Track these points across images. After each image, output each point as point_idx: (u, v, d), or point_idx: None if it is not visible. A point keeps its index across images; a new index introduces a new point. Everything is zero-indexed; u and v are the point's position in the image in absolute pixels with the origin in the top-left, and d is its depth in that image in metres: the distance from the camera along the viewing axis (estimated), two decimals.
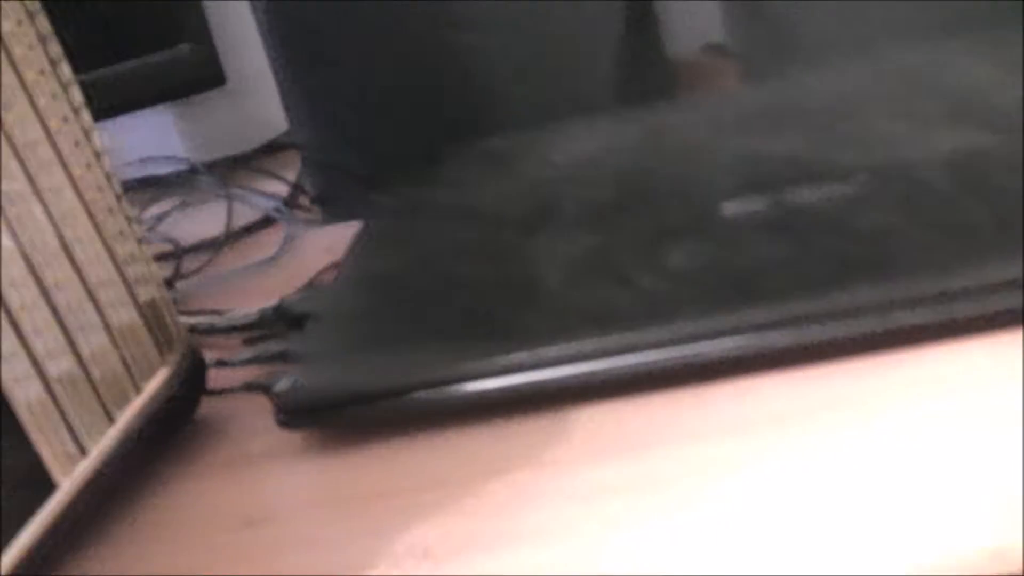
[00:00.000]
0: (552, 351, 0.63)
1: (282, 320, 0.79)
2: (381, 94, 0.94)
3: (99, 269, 0.65)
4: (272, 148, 1.13)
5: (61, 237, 0.64)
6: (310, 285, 0.83)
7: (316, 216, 0.99)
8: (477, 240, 0.78)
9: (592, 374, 0.63)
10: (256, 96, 1.11)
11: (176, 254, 0.97)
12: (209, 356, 0.78)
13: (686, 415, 0.61)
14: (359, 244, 0.84)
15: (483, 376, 0.64)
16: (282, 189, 1.06)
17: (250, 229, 1.01)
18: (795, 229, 0.68)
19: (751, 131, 0.81)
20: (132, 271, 0.68)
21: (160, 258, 1.00)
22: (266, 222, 1.02)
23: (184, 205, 1.07)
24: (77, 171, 0.66)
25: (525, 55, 0.90)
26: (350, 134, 0.95)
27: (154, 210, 1.08)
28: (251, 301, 0.86)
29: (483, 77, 0.92)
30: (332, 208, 0.98)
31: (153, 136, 1.19)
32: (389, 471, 0.64)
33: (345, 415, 0.66)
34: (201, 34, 1.07)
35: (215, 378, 0.76)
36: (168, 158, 1.15)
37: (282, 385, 0.67)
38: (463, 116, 0.93)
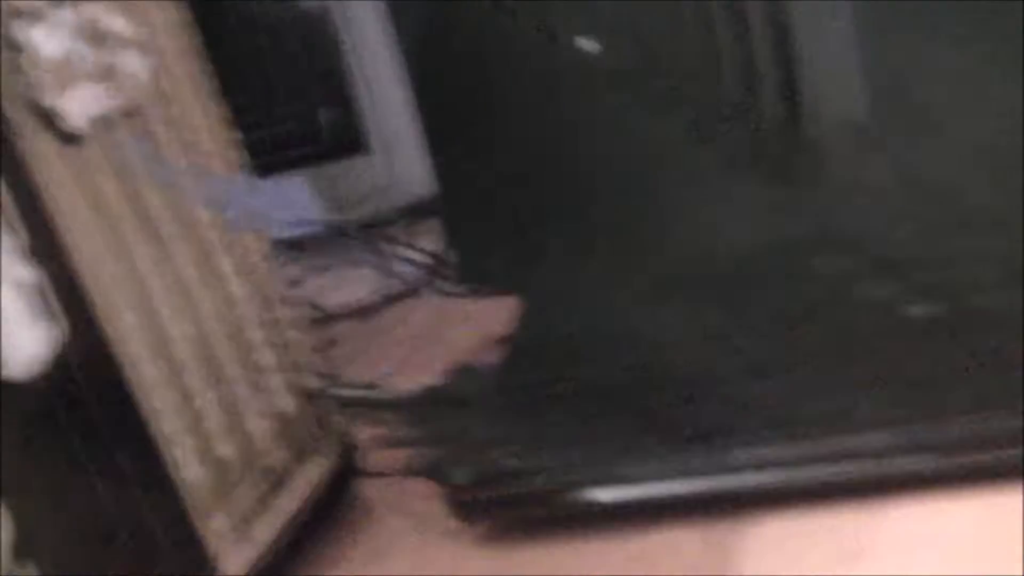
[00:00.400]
0: (739, 456, 0.62)
1: (445, 400, 0.78)
2: (534, 169, 0.93)
3: (267, 354, 0.65)
4: (413, 213, 1.12)
5: (232, 322, 0.63)
6: (468, 366, 0.81)
7: (459, 287, 0.98)
8: (645, 329, 0.77)
9: (778, 482, 0.62)
10: (398, 162, 1.10)
11: (324, 319, 0.96)
12: (364, 432, 0.77)
13: (883, 527, 0.59)
14: (522, 325, 0.83)
15: (666, 478, 0.63)
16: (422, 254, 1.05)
17: (395, 298, 0.99)
18: (980, 335, 0.67)
19: (915, 224, 0.80)
20: (295, 356, 0.67)
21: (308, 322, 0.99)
22: (409, 291, 1.00)
23: (320, 268, 1.07)
24: (244, 256, 0.65)
25: (669, 135, 0.89)
26: (501, 207, 0.95)
27: (291, 271, 1.07)
28: (400, 373, 0.86)
29: (634, 160, 0.91)
30: (478, 281, 0.97)
31: (285, 198, 1.18)
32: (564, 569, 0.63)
33: (526, 511, 0.65)
34: (343, 100, 1.06)
35: (373, 456, 0.76)
36: (303, 221, 1.15)
37: (461, 476, 0.66)
38: (613, 196, 0.92)
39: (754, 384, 0.68)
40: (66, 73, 0.53)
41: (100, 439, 0.56)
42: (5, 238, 0.52)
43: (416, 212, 1.13)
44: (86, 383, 0.56)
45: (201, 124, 0.62)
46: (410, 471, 0.72)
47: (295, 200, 1.17)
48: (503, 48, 0.90)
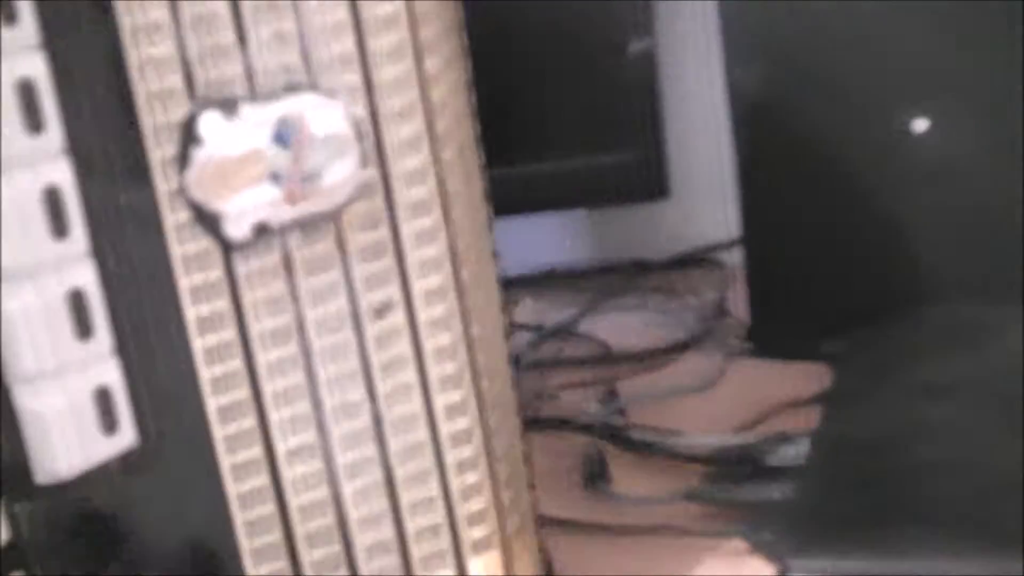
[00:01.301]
0: None
1: (748, 463, 0.76)
2: (850, 236, 0.91)
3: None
4: (684, 262, 1.10)
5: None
6: (782, 432, 0.79)
7: (746, 345, 0.96)
8: (960, 422, 0.74)
9: None
10: (696, 210, 1.08)
11: (612, 360, 0.95)
12: (652, 480, 0.76)
13: None
14: (831, 399, 0.81)
15: None
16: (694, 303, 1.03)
17: (677, 347, 0.98)
18: None
19: None
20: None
21: (580, 362, 0.98)
22: (689, 342, 0.98)
23: (597, 309, 1.05)
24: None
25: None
26: (807, 270, 0.92)
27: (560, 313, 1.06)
28: (680, 424, 0.84)
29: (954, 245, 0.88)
30: (768, 343, 0.95)
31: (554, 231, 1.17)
32: None
33: None
34: (651, 142, 1.05)
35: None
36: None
37: (799, 569, 0.64)
38: (928, 279, 0.89)
39: None
40: (238, 175, 0.50)
41: None
42: None
43: (700, 259, 1.11)
44: None
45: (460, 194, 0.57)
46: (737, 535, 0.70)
47: (574, 235, 1.16)
48: (836, 120, 0.88)
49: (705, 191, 1.06)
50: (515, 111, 1.03)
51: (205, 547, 0.54)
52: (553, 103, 1.03)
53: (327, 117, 0.52)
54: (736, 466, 0.76)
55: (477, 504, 0.59)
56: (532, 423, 0.83)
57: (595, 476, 0.79)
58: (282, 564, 0.55)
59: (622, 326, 1.02)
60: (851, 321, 0.89)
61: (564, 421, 0.86)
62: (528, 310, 1.04)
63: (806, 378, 0.88)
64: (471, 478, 0.58)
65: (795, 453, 0.75)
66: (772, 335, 0.94)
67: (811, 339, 0.90)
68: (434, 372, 0.56)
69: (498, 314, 0.61)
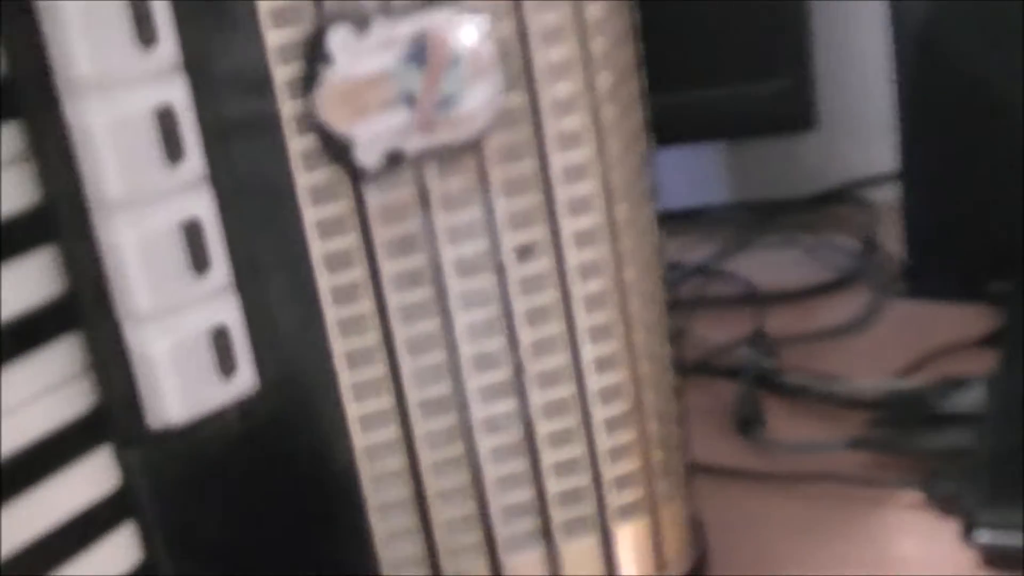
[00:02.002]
0: None
1: (919, 410, 0.70)
2: (1014, 174, 0.85)
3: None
4: (829, 199, 1.04)
5: None
6: (954, 376, 0.73)
7: (901, 285, 0.90)
8: None
9: None
10: (846, 144, 1.02)
11: (759, 300, 0.89)
12: (815, 426, 0.71)
13: None
14: (1004, 342, 0.75)
15: None
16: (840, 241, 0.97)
17: (827, 287, 0.92)
18: None
19: None
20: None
21: (726, 301, 0.93)
22: (839, 282, 0.93)
23: (740, 247, 1.00)
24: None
25: None
26: (968, 208, 0.86)
27: (701, 251, 1.01)
28: (834, 368, 0.79)
29: None
30: (926, 284, 0.89)
31: (691, 167, 1.12)
32: None
33: None
34: (800, 70, 0.98)
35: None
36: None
37: (987, 523, 0.59)
38: None
39: None
40: (369, 97, 0.45)
41: None
42: None
43: (846, 196, 1.05)
44: None
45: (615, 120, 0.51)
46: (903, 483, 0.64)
47: (715, 171, 1.11)
48: (1003, 50, 0.81)
49: (857, 126, 1.00)
50: (653, 36, 0.97)
51: (326, 500, 0.50)
52: (694, 27, 0.97)
53: (467, 35, 0.47)
54: (906, 412, 0.70)
55: (626, 467, 0.54)
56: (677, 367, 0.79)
57: (750, 421, 0.73)
58: (410, 521, 0.51)
59: (767, 265, 0.96)
60: (1018, 264, 0.82)
61: (711, 365, 0.80)
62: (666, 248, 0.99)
63: (967, 320, 0.83)
64: (621, 438, 0.54)
65: (971, 399, 0.68)
66: (929, 275, 0.87)
67: (971, 280, 0.84)
68: (583, 322, 0.52)
69: (655, 258, 0.56)
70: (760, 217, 1.03)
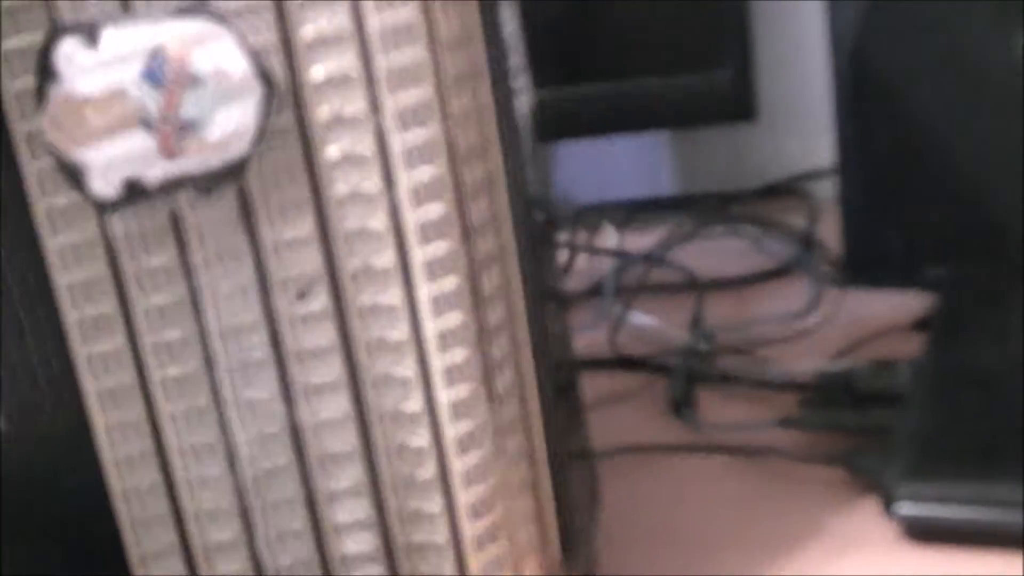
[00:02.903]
0: None
1: (846, 391, 0.72)
2: (954, 160, 0.86)
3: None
4: (770, 192, 1.06)
5: None
6: (883, 359, 0.75)
7: (839, 273, 0.92)
8: None
9: None
10: (787, 134, 1.04)
11: (698, 287, 0.91)
12: (747, 408, 0.73)
13: None
14: (939, 323, 0.76)
15: None
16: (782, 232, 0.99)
17: (765, 276, 0.93)
18: None
19: None
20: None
21: (667, 288, 0.94)
22: (779, 271, 0.94)
23: (685, 237, 1.01)
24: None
25: None
26: (904, 199, 0.88)
27: (647, 239, 1.02)
28: (772, 354, 0.82)
29: None
30: (863, 273, 0.90)
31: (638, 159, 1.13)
32: None
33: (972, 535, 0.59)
34: (741, 62, 1.00)
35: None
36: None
37: (906, 496, 0.60)
38: None
39: None
40: (101, 118, 0.40)
41: None
42: None
43: (787, 188, 1.07)
44: None
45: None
46: (835, 462, 0.66)
47: (658, 162, 1.12)
48: (941, 40, 0.83)
49: (796, 116, 1.01)
50: (598, 27, 0.99)
51: (79, 521, 0.47)
52: (637, 17, 0.98)
53: (214, 51, 0.41)
54: (833, 393, 0.72)
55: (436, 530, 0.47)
56: (618, 358, 0.81)
57: (682, 404, 0.75)
58: (176, 566, 0.47)
59: (711, 254, 0.97)
60: (951, 251, 0.84)
61: (646, 355, 0.82)
62: (611, 237, 1.00)
63: (902, 307, 0.84)
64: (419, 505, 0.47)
65: (898, 380, 0.70)
66: (867, 264, 0.89)
67: (906, 269, 0.86)
68: (372, 370, 0.45)
69: (520, 318, 0.48)
70: (706, 209, 1.04)
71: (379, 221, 0.44)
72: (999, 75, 0.83)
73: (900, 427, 0.65)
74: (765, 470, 0.68)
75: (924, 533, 0.60)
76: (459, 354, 0.44)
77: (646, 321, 0.87)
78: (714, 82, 0.99)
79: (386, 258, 0.44)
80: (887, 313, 0.83)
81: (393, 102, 0.43)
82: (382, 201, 0.43)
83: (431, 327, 0.44)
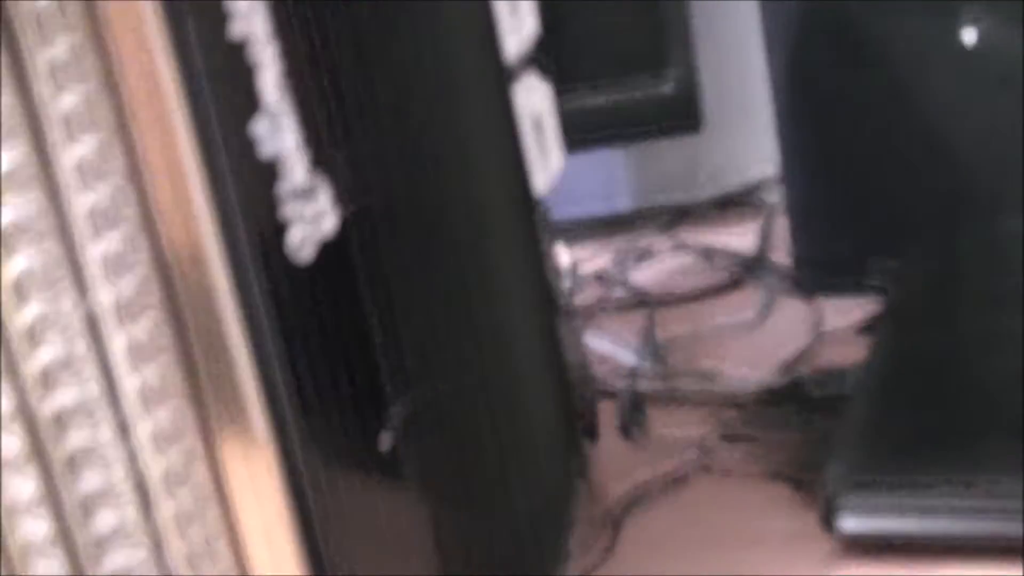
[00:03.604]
0: None
1: (796, 398, 0.72)
2: (894, 159, 0.86)
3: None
4: (731, 201, 1.05)
5: None
6: (827, 367, 0.74)
7: (789, 282, 0.91)
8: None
9: None
10: (732, 144, 1.03)
11: (649, 305, 0.90)
12: (700, 424, 0.73)
13: None
14: (883, 326, 0.76)
15: None
16: (736, 243, 0.98)
17: (716, 289, 0.93)
18: None
19: None
20: None
21: (623, 306, 0.94)
22: (731, 283, 0.94)
23: (632, 252, 1.01)
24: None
25: None
26: (849, 203, 0.87)
27: (603, 257, 1.01)
28: (732, 367, 0.81)
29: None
30: (816, 278, 0.90)
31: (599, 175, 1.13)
32: None
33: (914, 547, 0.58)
34: (685, 71, 0.99)
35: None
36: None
37: (849, 505, 0.59)
38: (980, 191, 0.84)
39: None
40: None
41: None
42: None
43: (734, 200, 1.06)
44: None
45: None
46: (781, 478, 0.65)
47: (611, 178, 1.12)
48: (882, 35, 0.82)
49: (740, 126, 1.01)
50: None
51: None
52: (582, 30, 0.98)
53: None
54: (778, 404, 0.71)
55: None
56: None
57: (630, 423, 0.74)
58: None
59: (663, 270, 0.97)
60: (898, 252, 0.83)
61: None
62: (563, 255, 1.00)
63: (852, 313, 0.83)
64: None
65: (843, 387, 0.69)
66: (816, 272, 0.89)
67: (856, 274, 0.85)
68: None
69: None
70: (658, 223, 1.04)
71: None
72: (939, 69, 0.82)
73: (838, 436, 0.65)
74: (711, 487, 0.67)
75: (864, 548, 0.59)
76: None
77: (598, 343, 0.86)
78: (658, 94, 0.98)
79: None
80: (837, 320, 0.82)
81: None
82: None
83: None
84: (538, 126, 0.55)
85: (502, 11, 0.58)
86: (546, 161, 0.54)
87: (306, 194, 0.41)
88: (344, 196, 0.42)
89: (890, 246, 0.85)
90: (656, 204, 1.08)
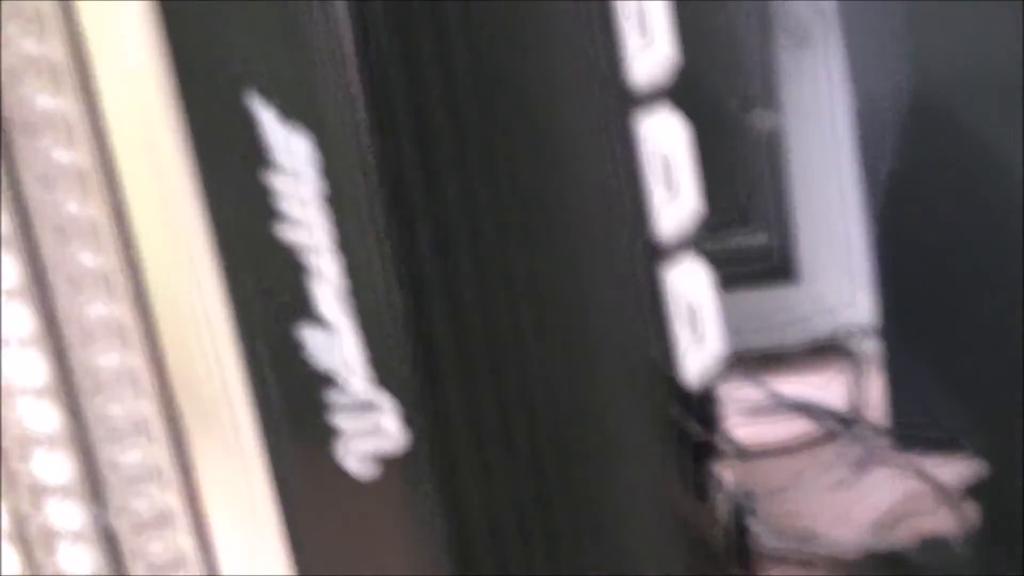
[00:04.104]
0: None
1: (894, 567, 0.70)
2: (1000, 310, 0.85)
3: None
4: (824, 350, 1.04)
5: None
6: (931, 535, 0.72)
7: (886, 438, 0.90)
8: None
9: None
10: (825, 295, 1.03)
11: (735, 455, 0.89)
12: None
13: None
14: (984, 495, 0.74)
15: None
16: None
17: (811, 442, 0.92)
18: None
19: None
20: None
21: None
22: (827, 436, 0.92)
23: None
24: None
25: None
26: (951, 359, 0.86)
27: None
28: (827, 526, 0.79)
29: None
30: (911, 437, 0.89)
31: None
32: None
33: None
34: (778, 222, 0.99)
35: None
36: None
37: None
38: None
39: None
40: None
41: None
42: None
43: (827, 349, 1.05)
44: None
45: None
46: None
47: None
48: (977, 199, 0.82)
49: (834, 277, 1.00)
50: None
51: None
52: None
53: None
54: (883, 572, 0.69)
55: None
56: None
57: None
58: None
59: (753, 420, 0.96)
60: (1003, 413, 0.82)
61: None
62: None
63: (953, 473, 0.80)
64: None
65: (950, 557, 0.68)
66: (914, 428, 0.87)
67: (958, 432, 0.83)
68: None
69: None
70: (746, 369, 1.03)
71: None
72: None
73: None
74: None
75: None
76: None
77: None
78: (753, 245, 0.98)
79: None
80: (940, 480, 0.81)
81: None
82: None
83: None
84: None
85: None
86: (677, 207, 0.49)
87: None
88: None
89: (992, 408, 0.84)
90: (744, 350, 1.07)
